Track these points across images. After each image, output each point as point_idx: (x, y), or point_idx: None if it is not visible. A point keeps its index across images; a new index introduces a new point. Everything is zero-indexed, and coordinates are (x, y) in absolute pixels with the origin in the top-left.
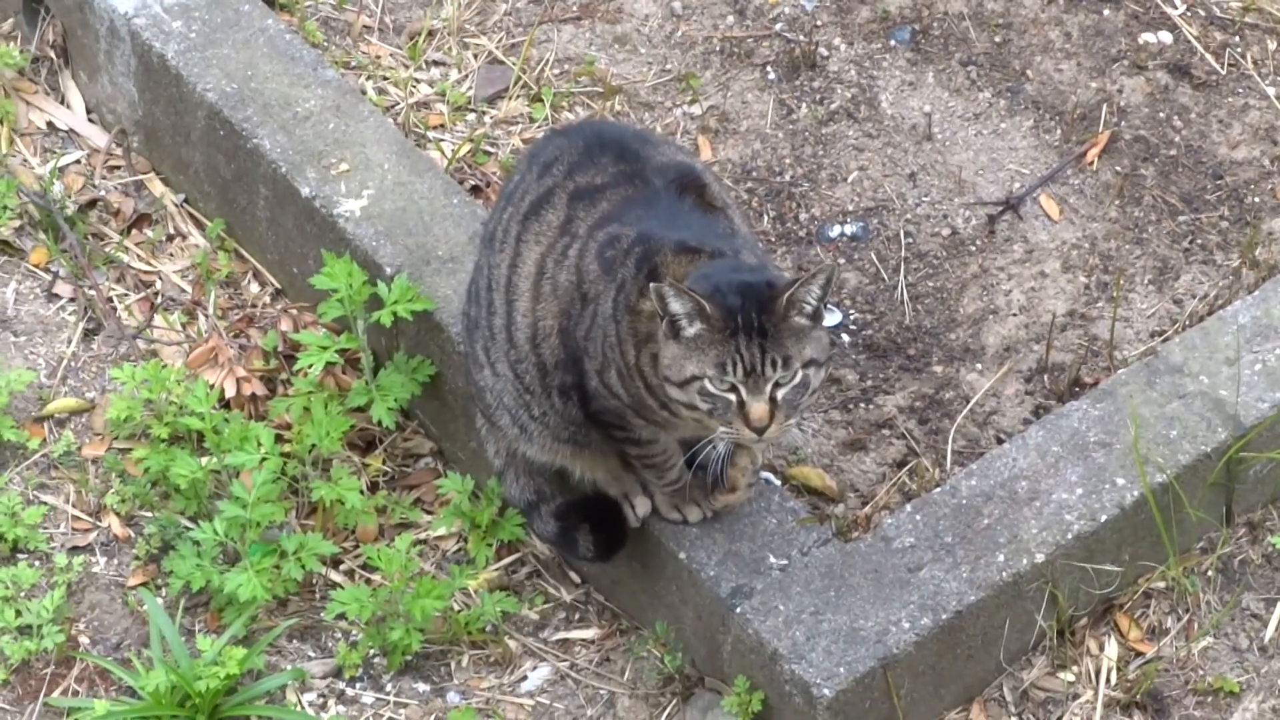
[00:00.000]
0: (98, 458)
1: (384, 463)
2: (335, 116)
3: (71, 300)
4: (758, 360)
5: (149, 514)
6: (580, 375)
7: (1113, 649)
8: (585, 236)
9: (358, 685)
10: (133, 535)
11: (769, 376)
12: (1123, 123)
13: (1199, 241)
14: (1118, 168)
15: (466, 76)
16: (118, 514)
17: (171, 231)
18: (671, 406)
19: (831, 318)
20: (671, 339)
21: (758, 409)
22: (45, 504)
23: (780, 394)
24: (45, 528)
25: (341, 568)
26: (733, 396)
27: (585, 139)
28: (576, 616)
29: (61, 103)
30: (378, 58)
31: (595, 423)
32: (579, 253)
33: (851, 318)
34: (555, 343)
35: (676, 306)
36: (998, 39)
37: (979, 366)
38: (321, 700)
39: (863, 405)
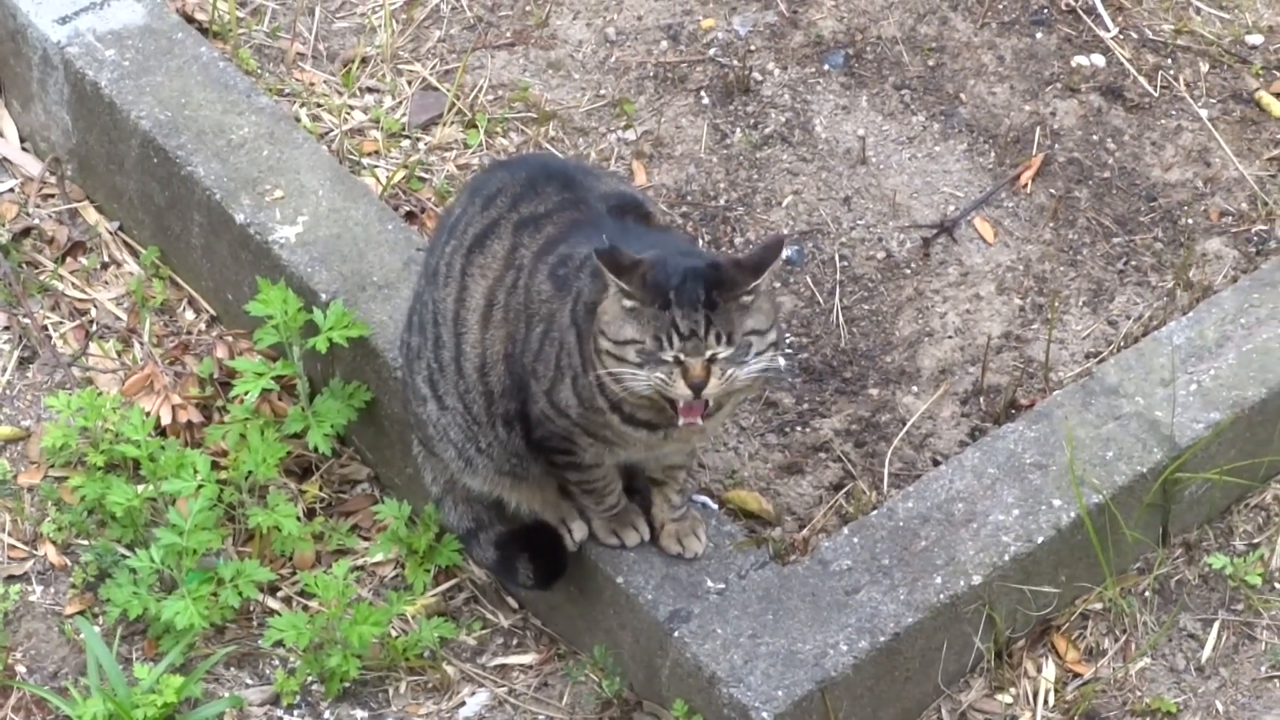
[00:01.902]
0: (33, 486)
1: (321, 489)
2: (269, 144)
3: (6, 329)
4: (700, 327)
5: (85, 542)
6: (524, 402)
7: (1050, 670)
8: (532, 262)
9: (296, 712)
10: (69, 563)
11: (709, 345)
12: (1056, 145)
13: (1133, 263)
14: (1051, 190)
15: (400, 103)
16: (54, 542)
17: (106, 259)
18: (606, 360)
19: None
20: (616, 300)
21: (694, 369)
22: None
23: (720, 356)
24: None
25: (279, 594)
26: (669, 357)
27: (529, 171)
28: (514, 642)
29: None
30: (311, 85)
31: (539, 450)
32: (528, 276)
33: (788, 341)
34: (502, 369)
35: (612, 279)
36: (931, 63)
37: (915, 389)
38: None
39: (799, 429)
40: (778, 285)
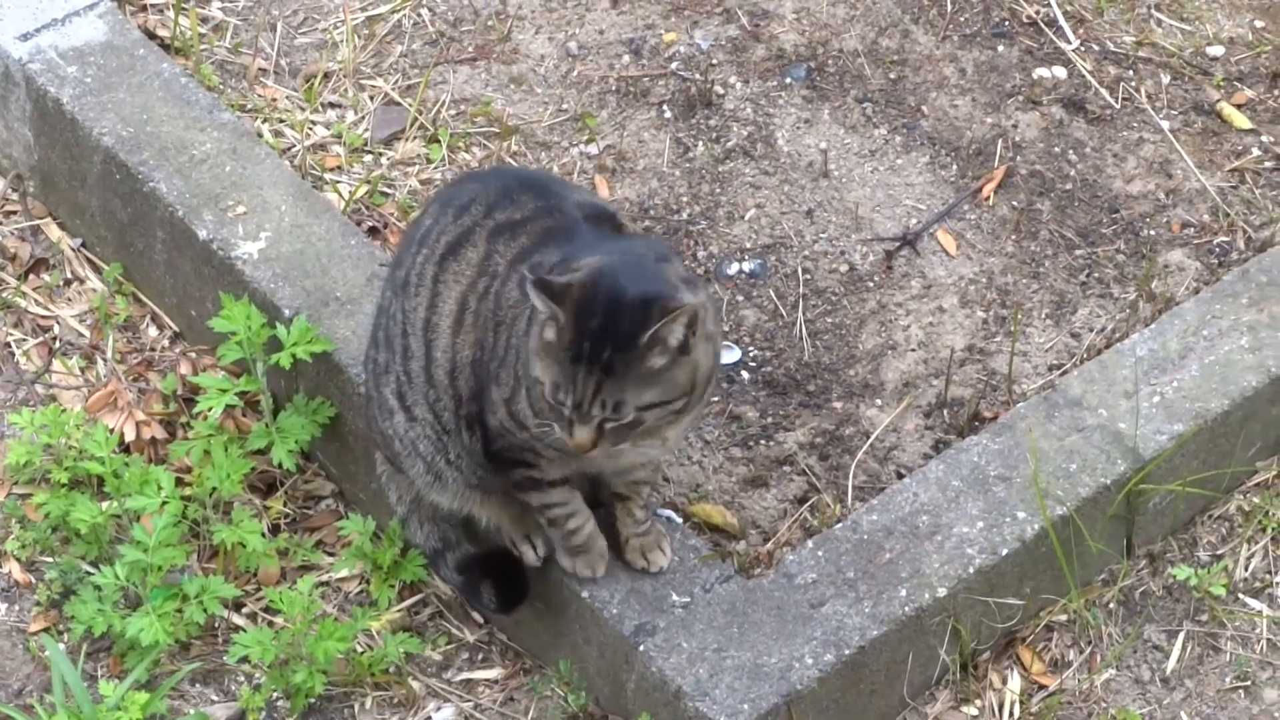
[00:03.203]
0: None
1: (285, 505)
2: (232, 159)
3: None
4: (587, 397)
5: (50, 559)
6: (484, 408)
7: (1015, 682)
8: (506, 270)
9: None
10: (33, 581)
11: (594, 415)
12: (1018, 158)
13: (1096, 275)
14: (1014, 202)
15: (363, 118)
16: (18, 560)
17: (69, 276)
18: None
19: (730, 355)
20: (538, 329)
21: (579, 435)
22: None
23: (609, 427)
24: None
25: (244, 611)
26: (565, 411)
27: (504, 181)
28: (480, 656)
29: None
30: (274, 100)
31: (499, 462)
32: (500, 283)
33: (751, 355)
34: (469, 373)
35: (540, 305)
36: (893, 76)
37: (878, 402)
38: None
39: (763, 442)
40: (740, 299)
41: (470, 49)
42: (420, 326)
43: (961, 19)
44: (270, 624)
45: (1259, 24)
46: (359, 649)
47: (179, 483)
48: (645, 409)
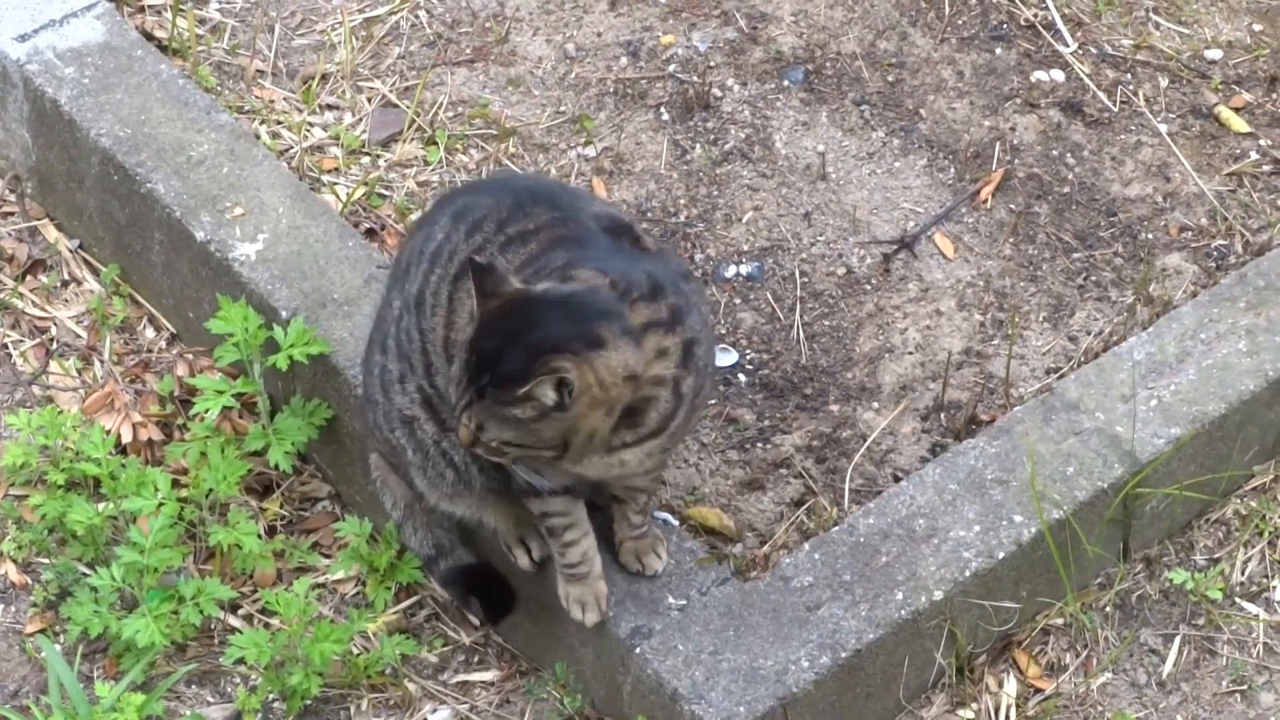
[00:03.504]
0: None
1: (281, 506)
2: (229, 161)
3: None
4: (461, 404)
5: (46, 560)
6: None
7: (1012, 686)
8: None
9: None
10: (30, 582)
11: (465, 423)
12: (1016, 161)
13: (1093, 278)
14: (1011, 205)
15: (360, 120)
16: (14, 561)
17: (66, 277)
18: None
19: (727, 357)
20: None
21: (460, 431)
22: None
23: (480, 438)
24: None
25: (240, 612)
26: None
27: (517, 195)
28: (476, 659)
29: None
30: (271, 102)
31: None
32: None
33: (748, 357)
34: None
35: (470, 293)
36: (890, 78)
37: (875, 405)
38: None
39: (760, 445)
40: (738, 301)
41: (468, 51)
42: (440, 344)
43: (959, 22)
44: (266, 626)
45: (1257, 27)
46: (355, 651)
47: (175, 484)
48: (506, 444)
